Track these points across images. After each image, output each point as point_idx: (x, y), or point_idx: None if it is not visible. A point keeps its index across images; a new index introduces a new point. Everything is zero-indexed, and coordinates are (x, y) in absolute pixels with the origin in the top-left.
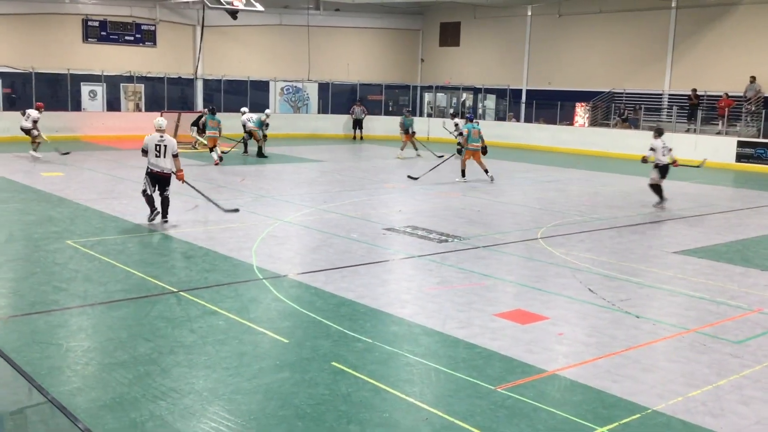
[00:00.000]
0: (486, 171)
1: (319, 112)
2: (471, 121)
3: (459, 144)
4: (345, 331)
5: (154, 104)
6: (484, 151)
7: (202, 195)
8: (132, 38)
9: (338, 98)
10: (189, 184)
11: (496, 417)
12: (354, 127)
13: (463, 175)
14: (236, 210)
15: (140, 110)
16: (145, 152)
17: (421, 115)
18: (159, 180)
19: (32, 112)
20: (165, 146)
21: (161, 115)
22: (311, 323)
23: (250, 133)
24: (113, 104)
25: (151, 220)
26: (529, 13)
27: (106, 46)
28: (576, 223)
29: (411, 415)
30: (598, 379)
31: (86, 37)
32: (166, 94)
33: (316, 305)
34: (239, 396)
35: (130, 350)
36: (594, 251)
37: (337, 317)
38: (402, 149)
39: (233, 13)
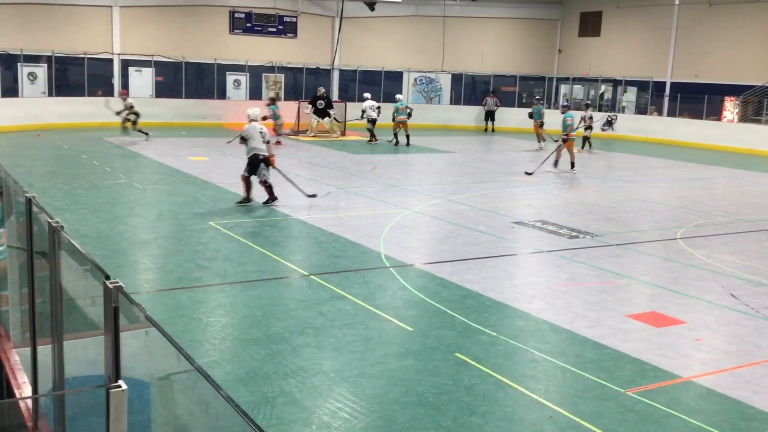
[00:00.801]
0: (573, 164)
1: (451, 103)
2: (569, 109)
3: (566, 135)
4: (470, 323)
5: (292, 93)
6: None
7: (287, 179)
8: (274, 29)
9: (471, 89)
10: (277, 170)
11: (624, 421)
12: (486, 119)
13: (556, 165)
14: (314, 195)
15: (280, 99)
16: (244, 140)
17: (555, 107)
18: (263, 162)
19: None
20: (265, 133)
21: (274, 102)
22: (436, 313)
23: (372, 121)
24: (255, 93)
25: (268, 202)
26: (677, 2)
27: (250, 38)
28: (720, 224)
29: (535, 412)
30: (738, 389)
31: (232, 29)
32: (304, 84)
33: (441, 295)
34: (364, 379)
35: (264, 328)
36: (739, 255)
37: (462, 309)
38: (539, 141)
39: (371, 5)
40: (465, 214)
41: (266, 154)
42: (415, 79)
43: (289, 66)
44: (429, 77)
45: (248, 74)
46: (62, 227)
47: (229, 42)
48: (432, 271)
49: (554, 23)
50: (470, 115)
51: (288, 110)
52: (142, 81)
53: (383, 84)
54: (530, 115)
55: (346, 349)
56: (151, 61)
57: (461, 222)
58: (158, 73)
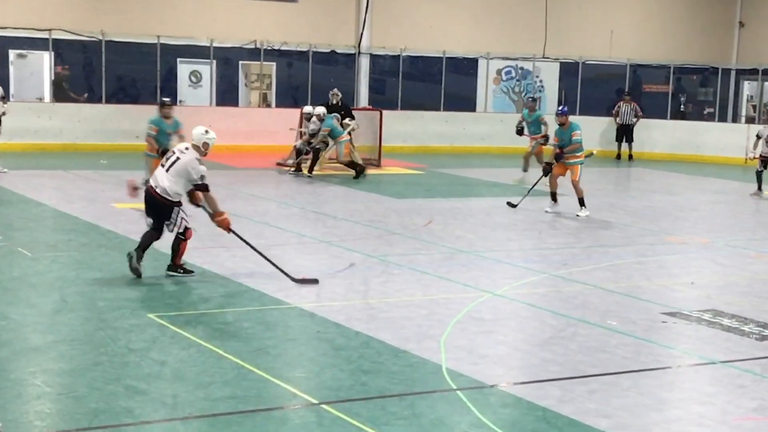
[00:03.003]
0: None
1: (559, 111)
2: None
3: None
4: None
5: (289, 94)
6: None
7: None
8: None
9: (593, 88)
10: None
11: None
12: (619, 138)
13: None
14: (315, 281)
15: (268, 105)
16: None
17: (734, 117)
18: (149, 205)
19: None
20: (177, 160)
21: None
22: None
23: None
24: (227, 95)
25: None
26: None
27: (216, 0)
28: None
29: None
30: None
31: None
32: (311, 79)
33: None
34: None
35: None
36: None
37: None
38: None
39: None
40: (584, 300)
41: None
42: (500, 71)
43: (284, 49)
44: (522, 67)
45: (215, 62)
46: None
47: (182, 7)
48: (528, 395)
49: None
50: (592, 130)
51: (282, 122)
52: (31, 73)
53: (445, 77)
54: (519, 131)
55: None
56: (47, 40)
57: (576, 313)
58: (59, 60)
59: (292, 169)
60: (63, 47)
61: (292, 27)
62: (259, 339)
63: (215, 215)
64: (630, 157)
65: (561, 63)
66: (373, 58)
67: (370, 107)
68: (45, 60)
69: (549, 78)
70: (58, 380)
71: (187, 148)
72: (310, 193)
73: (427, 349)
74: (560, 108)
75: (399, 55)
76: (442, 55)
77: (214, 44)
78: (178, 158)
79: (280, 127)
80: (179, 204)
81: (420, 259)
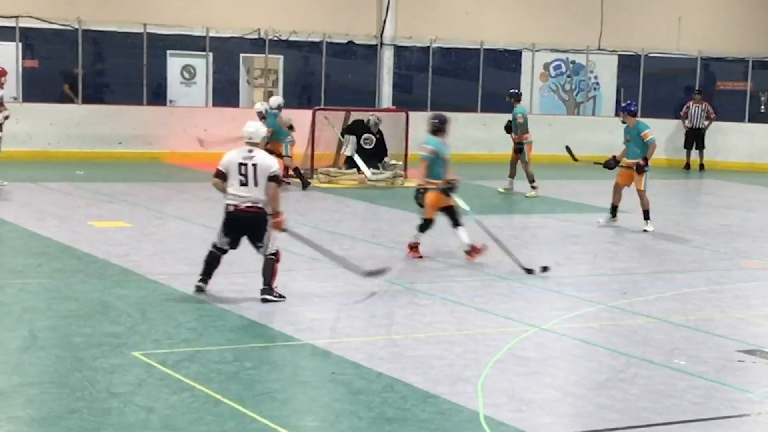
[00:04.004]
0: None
1: (618, 111)
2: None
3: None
4: None
5: (296, 93)
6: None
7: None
8: None
9: (657, 85)
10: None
11: None
12: (688, 144)
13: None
14: (384, 271)
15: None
16: (222, 175)
17: None
18: (241, 223)
19: None
20: (254, 166)
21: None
22: None
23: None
24: (226, 93)
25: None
26: None
27: None
28: None
29: None
30: None
31: None
32: (324, 76)
33: None
34: None
35: None
36: None
37: None
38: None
39: None
40: (645, 335)
41: (247, 203)
42: (547, 65)
43: (294, 39)
44: (574, 61)
45: (211, 55)
46: None
47: None
48: None
49: None
50: (656, 135)
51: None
52: None
53: (482, 72)
54: (508, 128)
55: None
56: (14, 28)
57: (638, 351)
58: (28, 53)
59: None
60: (33, 37)
61: (302, 13)
62: (264, 382)
63: (276, 215)
64: (701, 166)
65: (619, 56)
66: (398, 50)
67: (395, 108)
68: (12, 52)
69: (605, 74)
70: (27, 430)
71: (250, 151)
72: (324, 210)
73: (462, 394)
74: (626, 103)
75: (428, 47)
76: (479, 47)
77: (211, 34)
78: (254, 164)
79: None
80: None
81: (453, 288)
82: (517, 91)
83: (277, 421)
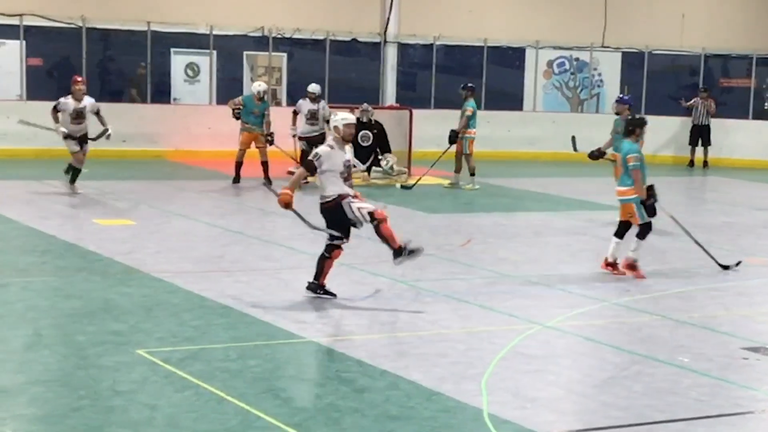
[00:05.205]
0: None
1: (619, 99)
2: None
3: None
4: None
5: (301, 92)
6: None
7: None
8: None
9: (660, 82)
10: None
11: None
12: (693, 141)
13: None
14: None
15: (278, 103)
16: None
17: None
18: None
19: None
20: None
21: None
22: None
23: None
24: (230, 91)
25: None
26: None
27: None
28: None
29: None
30: None
31: None
32: (328, 73)
33: None
34: None
35: None
36: None
37: None
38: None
39: None
40: (650, 333)
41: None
42: (551, 62)
43: (297, 37)
44: (577, 58)
45: (215, 53)
46: None
47: None
48: None
49: None
50: (658, 132)
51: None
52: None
53: (486, 69)
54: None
55: None
56: (18, 27)
57: (642, 348)
58: (32, 51)
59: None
60: (36, 36)
61: (306, 11)
62: (268, 379)
63: (288, 188)
64: (705, 163)
65: (623, 53)
66: (402, 47)
67: (398, 105)
68: (16, 50)
69: (610, 71)
70: (31, 428)
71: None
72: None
73: (466, 392)
74: (621, 96)
75: (432, 45)
76: (482, 44)
77: (214, 32)
78: None
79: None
80: (342, 197)
81: (457, 286)
82: (472, 84)
83: (281, 419)
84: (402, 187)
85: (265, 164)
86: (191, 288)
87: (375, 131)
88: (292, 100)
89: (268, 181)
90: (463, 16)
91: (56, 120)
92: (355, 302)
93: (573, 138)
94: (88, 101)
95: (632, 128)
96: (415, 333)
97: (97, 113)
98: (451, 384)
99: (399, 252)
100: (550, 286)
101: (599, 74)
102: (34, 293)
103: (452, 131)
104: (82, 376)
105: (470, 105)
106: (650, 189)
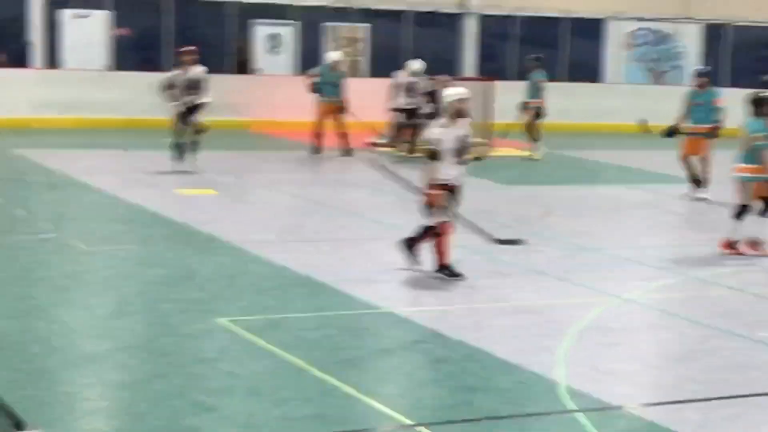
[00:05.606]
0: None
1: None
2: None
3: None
4: None
5: (384, 61)
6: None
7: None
8: None
9: (746, 56)
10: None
11: None
12: None
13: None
14: (516, 242)
15: (360, 74)
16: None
17: None
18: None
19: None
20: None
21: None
22: None
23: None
24: (311, 62)
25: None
26: None
27: None
28: None
29: None
30: None
31: None
32: (411, 44)
33: None
34: None
35: None
36: None
37: None
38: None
39: None
40: (728, 306)
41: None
42: (632, 34)
43: (378, 8)
44: (660, 30)
45: (297, 24)
46: None
47: None
48: (662, 420)
49: None
50: (741, 106)
51: (376, 95)
52: (85, 37)
53: (567, 44)
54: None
55: None
56: None
57: (720, 321)
58: (118, 21)
59: (386, 149)
60: (123, 6)
61: None
62: (346, 349)
63: (431, 187)
64: None
65: (707, 25)
66: (483, 18)
67: (480, 77)
68: (99, 23)
69: (692, 43)
70: (116, 394)
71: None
72: (409, 178)
73: (543, 364)
74: (699, 68)
75: (512, 16)
76: (563, 16)
77: (295, 3)
78: None
79: (374, 101)
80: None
81: (536, 258)
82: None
83: (359, 389)
84: (475, 159)
85: (343, 135)
86: (272, 258)
87: (431, 98)
88: (373, 72)
89: (347, 152)
90: None
91: (172, 98)
92: (434, 273)
93: (642, 121)
94: (198, 70)
95: (758, 105)
96: (493, 304)
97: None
98: (529, 356)
99: (439, 269)
100: (628, 258)
101: (683, 47)
102: (119, 261)
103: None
104: (165, 343)
105: (541, 75)
106: None
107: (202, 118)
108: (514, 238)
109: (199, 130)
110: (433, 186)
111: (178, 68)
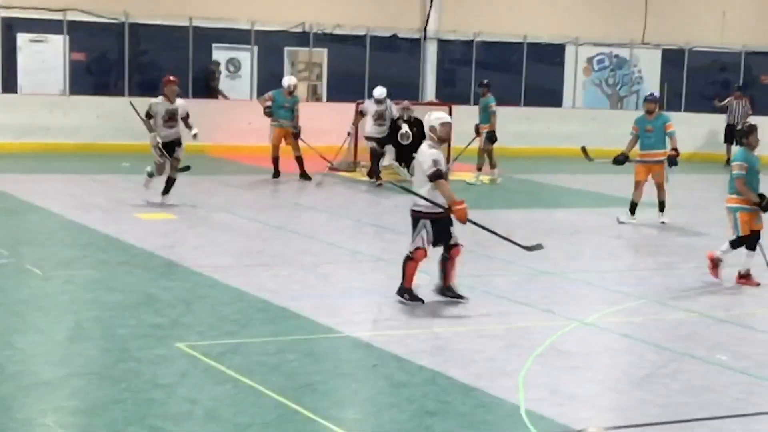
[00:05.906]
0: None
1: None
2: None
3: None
4: None
5: (342, 87)
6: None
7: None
8: None
9: (700, 79)
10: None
11: None
12: (728, 139)
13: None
14: (537, 247)
15: (318, 98)
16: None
17: None
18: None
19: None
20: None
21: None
22: None
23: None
24: (270, 87)
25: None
26: None
27: None
28: None
29: None
30: None
31: None
32: (369, 68)
33: None
34: None
35: None
36: None
37: None
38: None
39: None
40: (689, 330)
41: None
42: (591, 60)
43: (338, 33)
44: (617, 55)
45: (256, 48)
46: None
47: None
48: None
49: None
50: (697, 130)
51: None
52: (44, 61)
53: (526, 68)
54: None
55: None
56: (61, 21)
57: (680, 346)
58: (76, 45)
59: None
60: (79, 31)
61: (346, 7)
62: (306, 374)
63: (453, 204)
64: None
65: (664, 50)
66: (442, 43)
67: (438, 101)
68: (59, 47)
69: (649, 68)
70: (73, 420)
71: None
72: (367, 203)
73: (503, 388)
74: (650, 94)
75: (472, 41)
76: (522, 41)
77: (255, 27)
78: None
79: (333, 125)
80: (426, 216)
81: (495, 282)
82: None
83: (318, 413)
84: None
85: (299, 159)
86: (231, 282)
87: (414, 129)
88: (332, 96)
89: (305, 176)
90: (503, 12)
91: (151, 128)
92: (394, 298)
93: (583, 148)
94: (180, 103)
95: (740, 136)
96: (452, 329)
97: (185, 118)
98: (489, 380)
99: (400, 291)
100: (588, 282)
101: (639, 71)
102: (76, 286)
103: (488, 132)
104: (122, 369)
105: (491, 100)
106: (762, 197)
107: (181, 154)
108: (536, 244)
109: (181, 168)
110: (455, 203)
111: (161, 98)
